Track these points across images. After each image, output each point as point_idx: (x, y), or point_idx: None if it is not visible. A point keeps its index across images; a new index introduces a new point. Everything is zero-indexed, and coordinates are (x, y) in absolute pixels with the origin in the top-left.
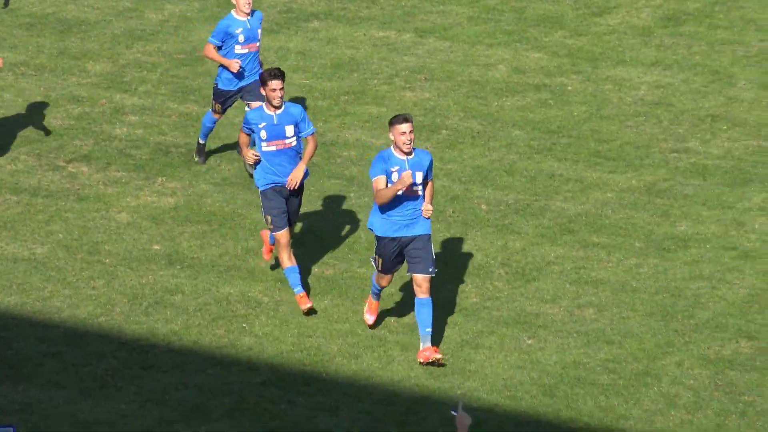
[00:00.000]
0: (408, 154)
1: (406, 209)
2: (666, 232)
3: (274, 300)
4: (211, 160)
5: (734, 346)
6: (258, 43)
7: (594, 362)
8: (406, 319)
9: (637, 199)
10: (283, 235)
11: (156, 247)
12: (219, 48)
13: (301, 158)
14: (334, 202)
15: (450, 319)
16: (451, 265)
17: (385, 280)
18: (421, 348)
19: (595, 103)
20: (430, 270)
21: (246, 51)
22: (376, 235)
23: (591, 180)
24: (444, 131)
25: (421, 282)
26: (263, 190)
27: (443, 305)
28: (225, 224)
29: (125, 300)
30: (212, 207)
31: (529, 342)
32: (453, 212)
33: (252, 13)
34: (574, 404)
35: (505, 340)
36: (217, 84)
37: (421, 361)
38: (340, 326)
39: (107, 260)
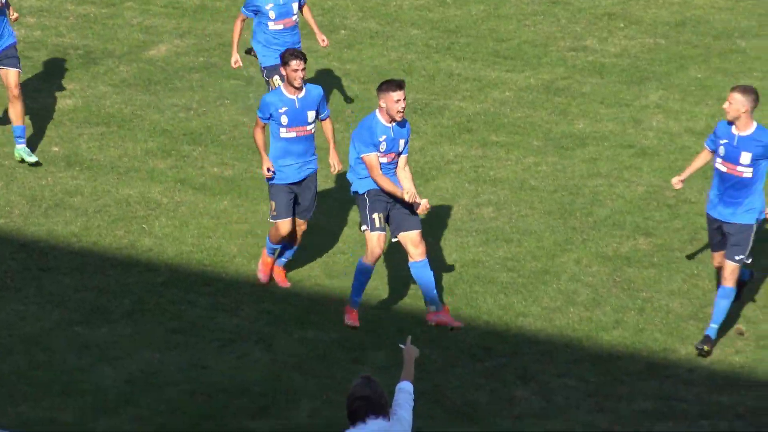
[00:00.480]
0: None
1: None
2: (564, 130)
3: (173, 201)
4: (109, 61)
5: (632, 244)
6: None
7: (493, 260)
8: None
9: (535, 98)
10: (284, 224)
11: (55, 149)
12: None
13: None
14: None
15: (350, 219)
16: (348, 164)
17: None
18: (432, 310)
19: (493, 2)
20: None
21: (281, 27)
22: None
23: (489, 79)
24: (342, 31)
25: (417, 242)
26: (276, 184)
27: (341, 207)
28: (124, 126)
29: (24, 202)
30: (111, 109)
31: (429, 240)
32: (352, 112)
33: None
34: (474, 302)
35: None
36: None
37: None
38: (239, 227)
39: (6, 162)
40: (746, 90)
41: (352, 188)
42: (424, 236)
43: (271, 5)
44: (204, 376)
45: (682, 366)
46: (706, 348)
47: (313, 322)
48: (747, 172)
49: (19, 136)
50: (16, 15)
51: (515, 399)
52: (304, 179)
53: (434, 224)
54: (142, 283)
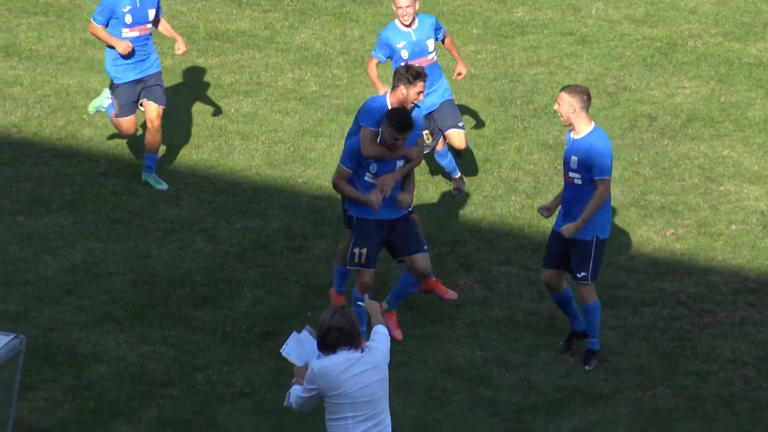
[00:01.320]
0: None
1: None
2: (504, 18)
3: None
4: None
5: None
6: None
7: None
8: (245, 108)
9: None
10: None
11: None
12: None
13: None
14: None
15: (290, 108)
16: (289, 53)
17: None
18: (384, 307)
19: None
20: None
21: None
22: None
23: None
24: None
25: (423, 268)
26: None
27: (283, 93)
28: (62, 15)
29: None
30: None
31: None
32: (290, 1)
33: None
34: (415, 191)
35: (345, 127)
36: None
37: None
38: (180, 117)
39: None
40: (573, 90)
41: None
42: None
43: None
44: (146, 266)
45: (624, 253)
46: (590, 366)
47: (254, 212)
48: (577, 179)
49: (149, 166)
50: (183, 49)
51: (458, 287)
52: None
53: None
54: (82, 173)
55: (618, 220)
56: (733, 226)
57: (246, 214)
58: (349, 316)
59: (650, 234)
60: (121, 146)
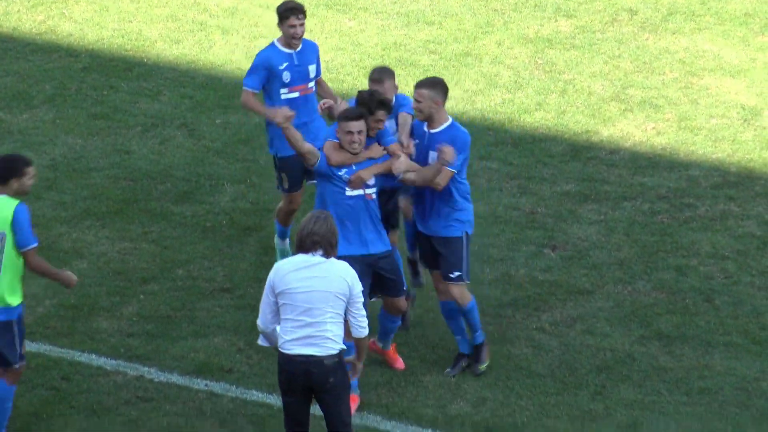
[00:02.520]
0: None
1: None
2: None
3: None
4: None
5: (553, 25)
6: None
7: (415, 43)
8: (226, 3)
9: None
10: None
11: None
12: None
13: None
14: None
15: (270, 2)
16: None
17: None
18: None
19: None
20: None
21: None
22: None
23: None
24: None
25: (399, 309)
26: None
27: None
28: None
29: None
30: None
31: (350, 24)
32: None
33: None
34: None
35: (326, 22)
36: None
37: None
38: (160, 11)
39: None
40: (433, 84)
41: None
42: (343, 19)
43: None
44: (127, 161)
45: (605, 148)
46: (483, 365)
47: (235, 107)
48: None
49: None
50: (329, 103)
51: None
52: None
53: (354, 7)
54: (63, 68)
55: (599, 115)
56: (714, 120)
57: (227, 109)
58: (330, 224)
59: (631, 128)
60: (100, 42)
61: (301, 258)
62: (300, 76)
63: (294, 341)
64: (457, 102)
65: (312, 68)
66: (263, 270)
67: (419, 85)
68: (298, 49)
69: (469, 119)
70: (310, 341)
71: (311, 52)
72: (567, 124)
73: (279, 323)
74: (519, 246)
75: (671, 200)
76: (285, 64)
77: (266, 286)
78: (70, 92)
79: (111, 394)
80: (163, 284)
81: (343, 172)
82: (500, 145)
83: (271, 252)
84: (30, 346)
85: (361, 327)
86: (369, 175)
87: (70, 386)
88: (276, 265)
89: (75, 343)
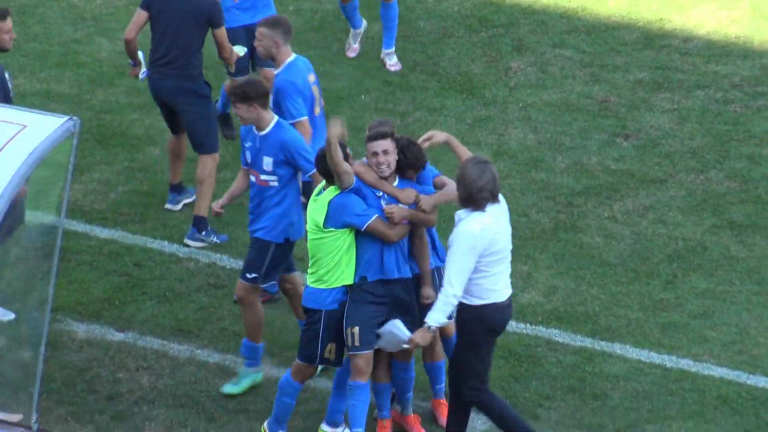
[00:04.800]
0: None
1: None
2: None
3: None
4: None
5: None
6: None
7: None
8: None
9: None
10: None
11: None
12: None
13: None
14: None
15: None
16: None
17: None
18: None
19: None
20: None
21: None
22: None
23: None
24: None
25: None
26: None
27: None
28: None
29: None
30: None
31: None
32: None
33: None
34: None
35: None
36: None
37: None
38: None
39: None
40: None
41: None
42: None
43: None
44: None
45: (678, 36)
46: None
47: None
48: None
49: None
50: None
51: (511, 70)
52: None
53: None
54: None
55: (672, 3)
56: None
57: None
58: (494, 172)
59: (705, 16)
60: None
61: (495, 210)
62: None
63: (506, 288)
64: None
65: None
66: None
67: (260, 24)
68: None
69: (542, 7)
70: (510, 282)
71: None
72: (640, 11)
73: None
74: (591, 134)
75: (744, 89)
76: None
77: (464, 252)
78: None
79: (183, 281)
80: (235, 170)
81: (380, 194)
82: (573, 33)
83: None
84: (102, 233)
85: None
86: (400, 213)
87: (142, 273)
88: (476, 231)
89: (147, 229)
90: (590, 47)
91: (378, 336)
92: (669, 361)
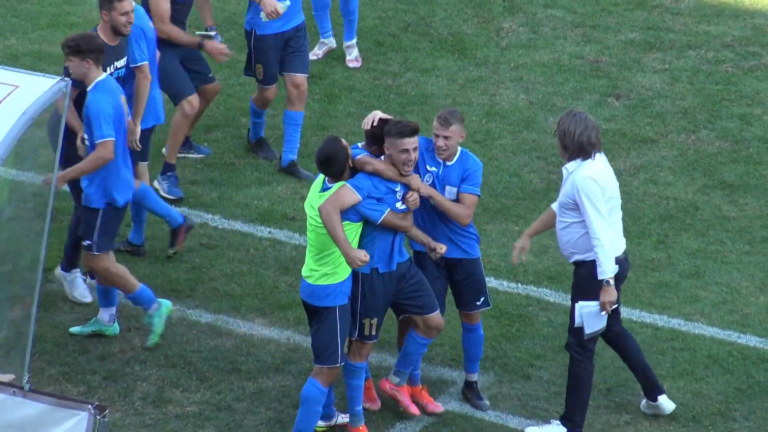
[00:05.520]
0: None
1: None
2: None
3: None
4: None
5: None
6: None
7: None
8: None
9: None
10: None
11: None
12: None
13: None
14: None
15: None
16: None
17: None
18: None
19: None
20: None
21: None
22: None
23: None
24: None
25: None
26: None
27: None
28: None
29: None
30: None
31: None
32: None
33: None
34: None
35: None
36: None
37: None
38: None
39: None
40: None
41: None
42: None
43: None
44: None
45: None
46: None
47: None
48: None
49: None
50: None
51: (503, 30)
52: None
53: None
54: None
55: None
56: None
57: None
58: (593, 120)
59: None
60: None
61: (601, 158)
62: None
63: (622, 240)
64: None
65: None
66: (327, 118)
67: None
68: None
69: None
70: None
71: None
72: None
73: None
74: (583, 95)
75: (736, 49)
76: None
77: (595, 198)
78: None
79: None
80: (228, 132)
81: (398, 188)
82: None
83: (335, 99)
84: None
85: None
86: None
87: None
88: (595, 175)
89: None
90: (582, 7)
91: (583, 329)
92: (660, 320)
